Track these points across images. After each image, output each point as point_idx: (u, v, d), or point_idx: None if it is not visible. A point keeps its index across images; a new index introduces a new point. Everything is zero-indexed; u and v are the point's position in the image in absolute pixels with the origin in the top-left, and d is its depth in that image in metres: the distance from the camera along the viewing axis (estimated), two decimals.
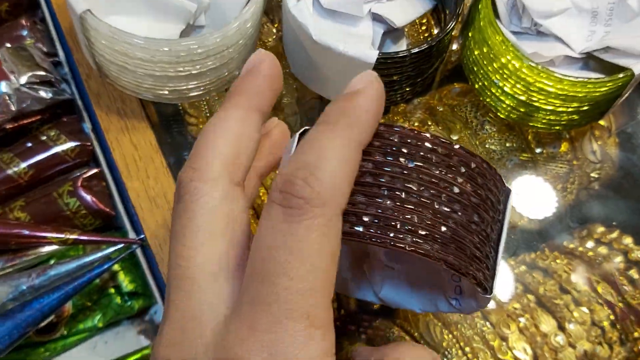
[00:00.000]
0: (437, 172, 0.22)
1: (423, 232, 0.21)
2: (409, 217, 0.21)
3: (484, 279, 0.23)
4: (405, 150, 0.22)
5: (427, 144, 0.22)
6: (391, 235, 0.21)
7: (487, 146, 0.45)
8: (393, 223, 0.21)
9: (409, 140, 0.22)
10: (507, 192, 0.25)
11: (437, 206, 0.22)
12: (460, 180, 0.22)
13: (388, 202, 0.21)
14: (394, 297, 0.33)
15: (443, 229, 0.22)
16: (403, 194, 0.22)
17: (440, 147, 0.22)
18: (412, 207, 0.21)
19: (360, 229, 0.21)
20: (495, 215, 0.24)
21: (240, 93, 0.25)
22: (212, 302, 0.21)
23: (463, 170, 0.22)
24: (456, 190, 0.22)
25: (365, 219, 0.21)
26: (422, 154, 0.22)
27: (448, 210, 0.22)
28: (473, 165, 0.23)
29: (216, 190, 0.23)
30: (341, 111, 0.22)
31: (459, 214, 0.22)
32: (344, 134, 0.21)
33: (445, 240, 0.22)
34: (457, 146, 0.23)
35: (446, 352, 0.40)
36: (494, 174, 0.24)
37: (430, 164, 0.22)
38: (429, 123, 0.45)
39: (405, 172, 0.22)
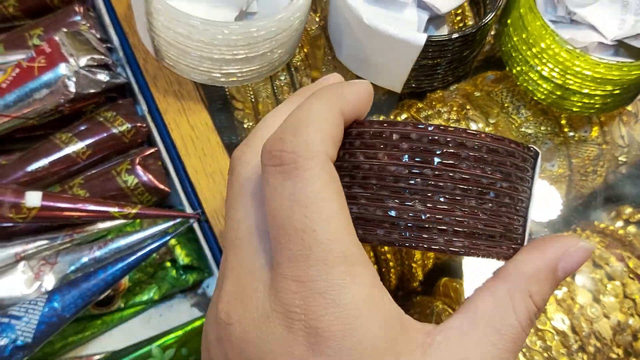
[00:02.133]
0: (465, 167, 0.22)
1: (454, 230, 0.22)
2: (439, 217, 0.22)
3: (513, 252, 0.24)
4: (433, 150, 0.22)
5: (454, 141, 0.22)
6: (425, 236, 0.22)
7: (522, 130, 0.47)
8: (426, 225, 0.22)
9: (435, 138, 0.22)
10: (535, 155, 0.25)
11: (467, 202, 0.22)
12: (489, 170, 0.23)
13: (419, 205, 0.22)
14: None
15: (473, 222, 0.22)
16: (434, 195, 0.22)
17: (467, 140, 0.22)
18: (444, 207, 0.22)
19: (395, 236, 0.22)
20: (524, 185, 0.24)
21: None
22: (261, 260, 0.23)
23: (490, 158, 0.23)
24: (485, 181, 0.23)
25: (400, 223, 0.22)
26: (449, 151, 0.22)
27: (479, 202, 0.22)
28: (501, 149, 0.23)
29: None
30: (328, 87, 0.24)
31: (489, 204, 0.23)
32: (325, 100, 0.23)
33: (478, 233, 0.23)
34: (483, 134, 0.23)
35: None
36: (521, 150, 0.24)
37: (459, 160, 0.22)
38: (467, 107, 0.47)
39: (435, 172, 0.22)
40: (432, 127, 0.22)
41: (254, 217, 0.24)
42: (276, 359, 0.22)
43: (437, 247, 0.22)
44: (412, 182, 0.22)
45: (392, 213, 0.22)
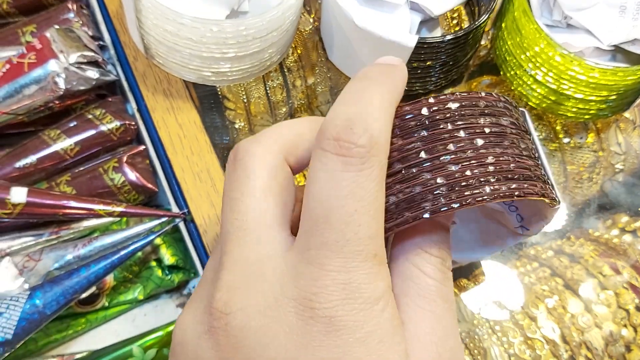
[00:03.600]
0: (480, 122, 0.23)
1: (494, 179, 0.22)
2: (475, 171, 0.22)
3: (554, 194, 0.25)
4: (439, 117, 0.23)
5: (454, 104, 0.23)
6: (467, 193, 0.22)
7: None
8: (464, 183, 0.22)
9: (435, 109, 0.23)
10: (523, 114, 0.26)
11: (493, 150, 0.23)
12: (504, 119, 0.24)
13: (452, 167, 0.22)
14: (458, 255, 0.35)
15: (511, 166, 0.23)
16: (459, 154, 0.23)
17: (465, 100, 0.24)
18: (472, 161, 0.23)
19: (443, 204, 0.22)
20: (528, 136, 0.25)
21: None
22: (269, 250, 0.23)
23: (489, 111, 0.24)
24: (497, 129, 0.23)
25: (442, 189, 0.22)
26: (449, 114, 0.23)
27: (503, 148, 0.23)
28: (500, 104, 0.24)
29: (272, 157, 0.25)
30: (383, 72, 0.24)
31: (510, 149, 0.23)
32: (386, 90, 0.23)
33: (514, 175, 0.23)
34: (482, 93, 0.24)
35: (477, 330, 0.41)
36: (509, 103, 0.25)
37: (465, 118, 0.23)
38: None
39: (447, 136, 0.23)
40: (433, 99, 0.23)
41: (262, 209, 0.24)
42: (280, 347, 0.21)
43: (487, 198, 0.22)
44: (445, 148, 0.23)
45: (440, 180, 0.22)
